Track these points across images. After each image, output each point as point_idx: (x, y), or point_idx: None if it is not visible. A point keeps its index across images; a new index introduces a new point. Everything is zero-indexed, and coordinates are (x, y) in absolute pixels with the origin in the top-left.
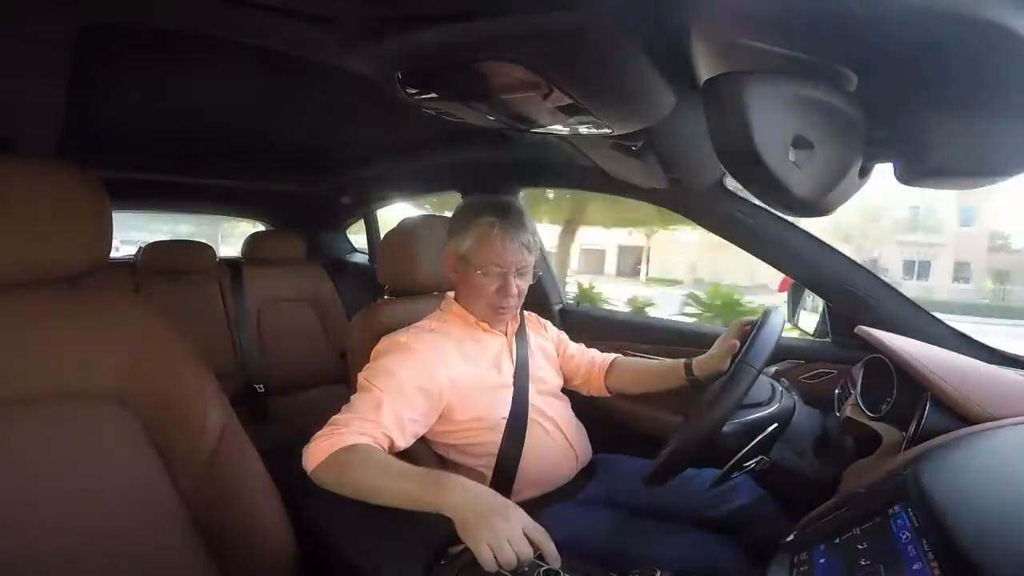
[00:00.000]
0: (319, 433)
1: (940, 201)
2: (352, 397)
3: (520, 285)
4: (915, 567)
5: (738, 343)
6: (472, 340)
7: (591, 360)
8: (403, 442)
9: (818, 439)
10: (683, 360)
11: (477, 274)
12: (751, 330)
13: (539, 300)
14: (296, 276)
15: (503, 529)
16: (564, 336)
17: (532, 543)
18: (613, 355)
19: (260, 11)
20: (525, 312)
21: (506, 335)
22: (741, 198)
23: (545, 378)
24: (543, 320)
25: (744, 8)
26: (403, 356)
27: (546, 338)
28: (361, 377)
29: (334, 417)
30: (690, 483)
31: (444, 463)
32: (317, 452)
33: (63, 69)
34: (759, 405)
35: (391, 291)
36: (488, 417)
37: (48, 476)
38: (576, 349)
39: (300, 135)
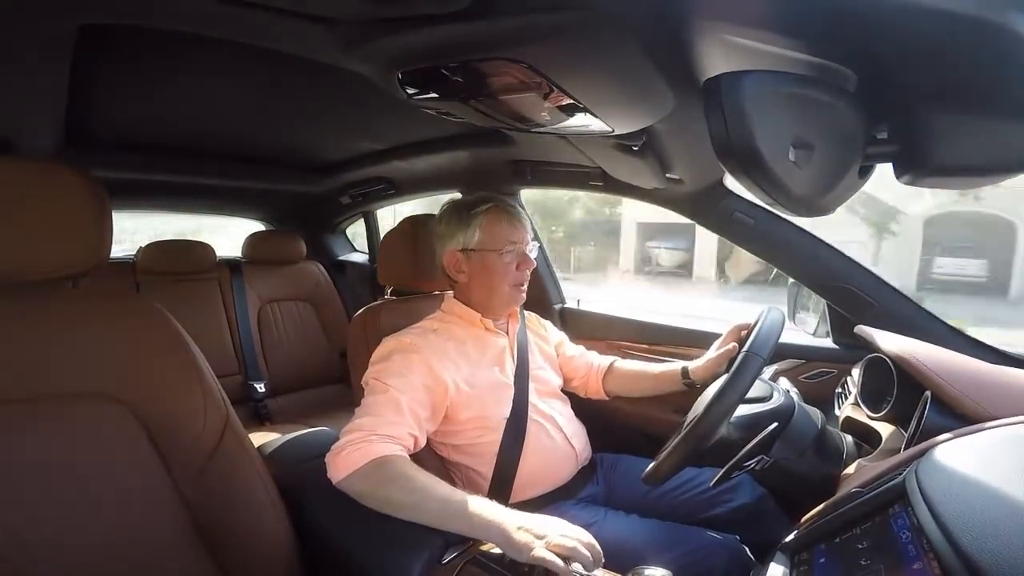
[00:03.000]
0: (346, 440)
1: None
2: (366, 399)
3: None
4: (915, 567)
5: (736, 345)
6: (474, 340)
7: (589, 363)
8: (423, 441)
9: (818, 439)
10: (680, 364)
11: (496, 257)
12: (748, 334)
13: (539, 300)
14: (296, 276)
15: (551, 530)
16: (564, 337)
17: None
18: (612, 358)
19: (260, 11)
20: (525, 312)
21: (507, 335)
22: (741, 198)
23: (545, 378)
24: (543, 320)
25: (745, 7)
26: (410, 356)
27: (546, 339)
28: (370, 377)
29: (357, 422)
30: (690, 482)
31: (445, 463)
32: (348, 461)
33: (63, 69)
34: (759, 402)
35: (393, 291)
36: (490, 417)
37: (47, 476)
38: (575, 351)
39: (300, 135)
